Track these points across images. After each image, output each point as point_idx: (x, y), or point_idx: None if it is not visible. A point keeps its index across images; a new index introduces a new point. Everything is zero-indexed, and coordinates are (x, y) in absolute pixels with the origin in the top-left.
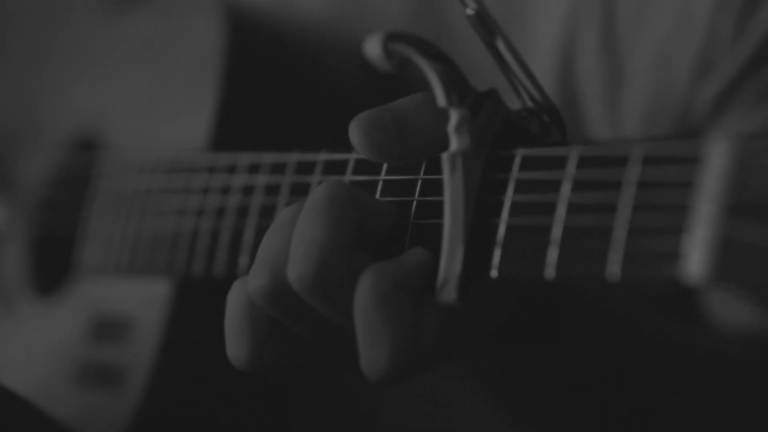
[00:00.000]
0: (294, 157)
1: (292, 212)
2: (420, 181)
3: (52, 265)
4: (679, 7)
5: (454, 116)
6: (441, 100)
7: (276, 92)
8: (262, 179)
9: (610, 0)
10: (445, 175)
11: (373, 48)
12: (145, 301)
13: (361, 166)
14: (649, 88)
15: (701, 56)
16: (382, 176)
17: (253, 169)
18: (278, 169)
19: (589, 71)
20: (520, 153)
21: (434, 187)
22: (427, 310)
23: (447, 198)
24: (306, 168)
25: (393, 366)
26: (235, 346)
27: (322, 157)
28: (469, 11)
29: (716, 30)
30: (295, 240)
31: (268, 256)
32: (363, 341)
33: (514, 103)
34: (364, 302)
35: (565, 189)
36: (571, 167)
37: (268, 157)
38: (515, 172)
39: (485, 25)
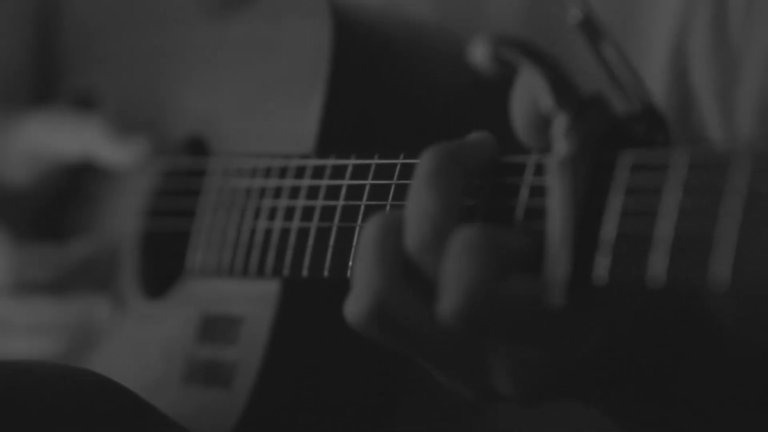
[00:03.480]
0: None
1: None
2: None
3: (163, 265)
4: None
5: (563, 121)
6: (549, 104)
7: (382, 94)
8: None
9: None
10: (553, 180)
11: (479, 52)
12: (253, 300)
13: None
14: (762, 85)
15: None
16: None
17: (362, 170)
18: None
19: (702, 67)
20: (625, 157)
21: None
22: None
23: (554, 202)
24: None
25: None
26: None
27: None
28: (576, 16)
29: None
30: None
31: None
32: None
33: (618, 106)
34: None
35: (672, 193)
36: (676, 172)
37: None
38: (621, 177)
39: (592, 29)
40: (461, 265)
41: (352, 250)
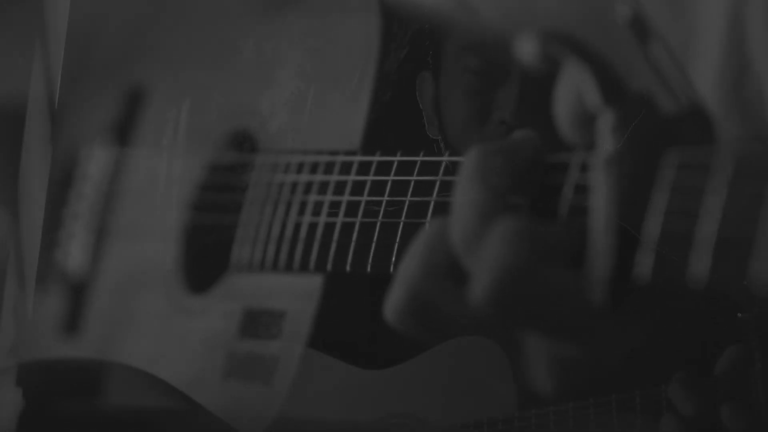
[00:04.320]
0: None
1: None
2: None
3: (206, 260)
4: None
5: (610, 118)
6: (596, 101)
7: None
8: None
9: None
10: (598, 177)
11: (527, 48)
12: (296, 295)
13: None
14: None
15: None
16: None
17: (407, 167)
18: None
19: (760, 37)
20: (671, 156)
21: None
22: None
23: (598, 200)
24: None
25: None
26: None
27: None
28: (625, 14)
29: None
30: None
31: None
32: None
33: (665, 105)
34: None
35: (716, 194)
36: (721, 171)
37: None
38: (666, 175)
39: (641, 27)
40: (495, 248)
41: (396, 246)
